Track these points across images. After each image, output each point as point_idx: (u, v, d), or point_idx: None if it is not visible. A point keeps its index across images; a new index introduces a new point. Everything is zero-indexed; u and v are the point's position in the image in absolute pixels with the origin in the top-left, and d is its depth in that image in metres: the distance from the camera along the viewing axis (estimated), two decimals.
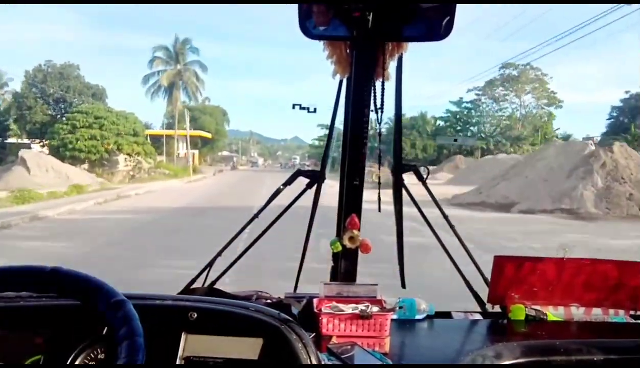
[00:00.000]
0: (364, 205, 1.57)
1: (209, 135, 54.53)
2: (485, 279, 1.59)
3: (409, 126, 49.57)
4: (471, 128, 51.61)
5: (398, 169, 1.65)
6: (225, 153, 76.62)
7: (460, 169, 40.30)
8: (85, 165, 29.20)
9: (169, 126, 48.06)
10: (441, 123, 53.37)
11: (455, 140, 46.21)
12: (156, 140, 41.47)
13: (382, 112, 1.52)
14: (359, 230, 1.54)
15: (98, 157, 29.56)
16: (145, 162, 31.65)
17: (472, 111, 51.79)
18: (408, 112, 50.37)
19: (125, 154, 30.38)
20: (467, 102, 51.83)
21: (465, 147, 47.62)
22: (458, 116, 52.00)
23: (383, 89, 1.50)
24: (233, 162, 60.52)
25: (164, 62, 47.54)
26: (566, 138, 49.45)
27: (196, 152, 50.12)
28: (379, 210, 1.65)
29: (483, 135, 49.86)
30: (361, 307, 1.33)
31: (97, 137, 29.54)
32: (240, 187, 23.67)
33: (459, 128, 52.33)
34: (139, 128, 32.13)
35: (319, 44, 1.48)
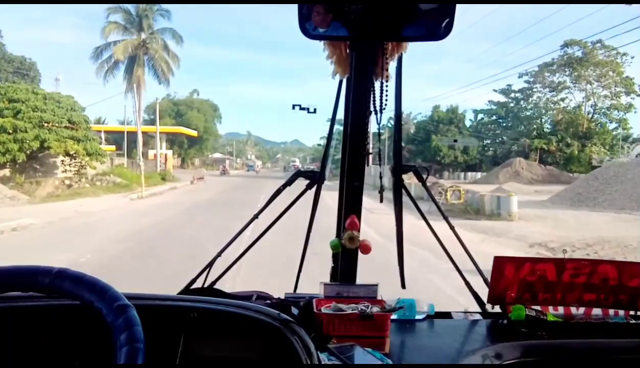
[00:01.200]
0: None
1: (193, 132, 46.86)
2: (485, 280, 1.59)
3: (446, 121, 40.89)
4: (524, 124, 40.92)
5: (398, 170, 1.65)
6: (217, 155, 68.72)
7: (522, 176, 31.99)
8: (7, 170, 21.08)
9: (151, 123, 37.61)
10: (484, 117, 43.38)
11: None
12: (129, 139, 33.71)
13: (382, 112, 1.52)
14: (358, 230, 1.54)
15: (9, 159, 20.27)
16: (90, 167, 22.98)
17: (522, 102, 41.26)
18: (442, 104, 42.07)
19: (63, 154, 21.77)
20: (516, 92, 40.99)
21: (518, 147, 38.43)
22: (506, 108, 41.67)
23: (382, 89, 1.50)
24: (223, 166, 50.75)
25: (122, 29, 34.05)
26: (625, 138, 38.76)
27: (169, 152, 42.26)
28: (381, 201, 1.65)
29: (538, 132, 39.20)
30: (361, 307, 1.33)
31: (9, 130, 19.88)
32: (210, 216, 13.73)
33: (506, 124, 41.85)
34: (78, 117, 22.57)
35: (319, 45, 1.48)
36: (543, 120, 41.29)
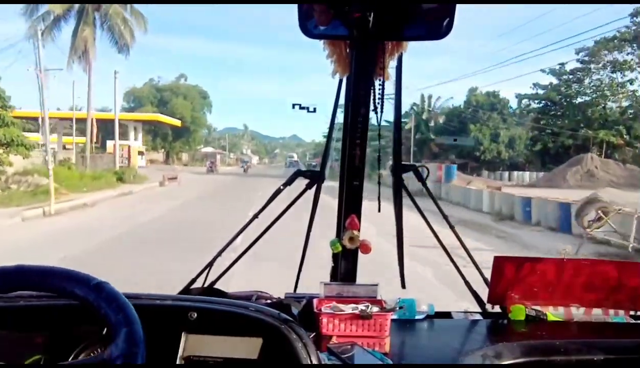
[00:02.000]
0: None
1: (176, 122, 39.79)
2: (485, 279, 1.58)
3: (486, 106, 32.30)
4: (582, 111, 31.59)
5: (398, 169, 1.65)
6: (209, 149, 60.02)
7: (598, 177, 24.19)
8: None
9: (129, 111, 30.82)
10: (531, 103, 34.36)
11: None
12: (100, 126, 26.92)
13: (382, 111, 1.52)
14: (358, 230, 1.53)
15: None
16: (4, 163, 16.85)
17: (576, 84, 32.14)
18: (481, 87, 33.41)
19: None
20: (568, 72, 32.15)
21: (576, 140, 29.67)
22: (558, 93, 31.96)
23: (383, 88, 1.50)
24: (210, 163, 41.25)
25: None
26: None
27: (136, 144, 34.87)
28: (379, 211, 1.64)
29: (602, 122, 30.60)
30: (361, 307, 1.33)
31: None
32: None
33: (561, 112, 32.29)
34: None
35: (319, 43, 1.48)
36: (607, 106, 31.24)
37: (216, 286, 1.56)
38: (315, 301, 1.37)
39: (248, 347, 1.03)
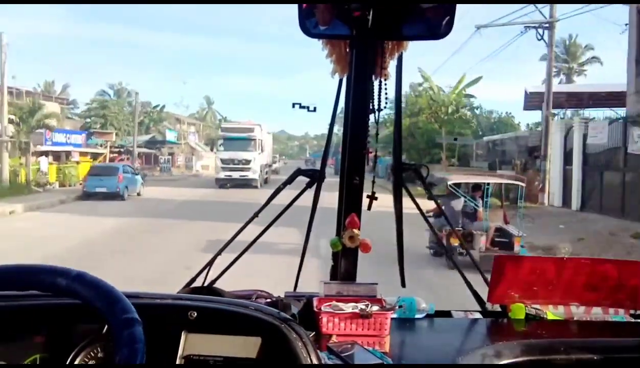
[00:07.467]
0: None
1: None
2: (485, 278, 1.59)
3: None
4: None
5: (398, 169, 1.65)
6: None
7: None
8: None
9: None
10: None
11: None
12: None
13: (379, 111, 1.52)
14: (358, 229, 1.53)
15: None
16: None
17: None
18: None
19: None
20: None
21: None
22: None
23: (380, 88, 1.50)
24: None
25: None
26: None
27: None
28: (369, 209, 1.62)
29: None
30: (361, 305, 1.33)
31: None
32: None
33: None
34: None
35: (319, 42, 1.48)
36: None
37: (216, 285, 1.56)
38: (315, 300, 1.37)
39: (248, 346, 1.03)
